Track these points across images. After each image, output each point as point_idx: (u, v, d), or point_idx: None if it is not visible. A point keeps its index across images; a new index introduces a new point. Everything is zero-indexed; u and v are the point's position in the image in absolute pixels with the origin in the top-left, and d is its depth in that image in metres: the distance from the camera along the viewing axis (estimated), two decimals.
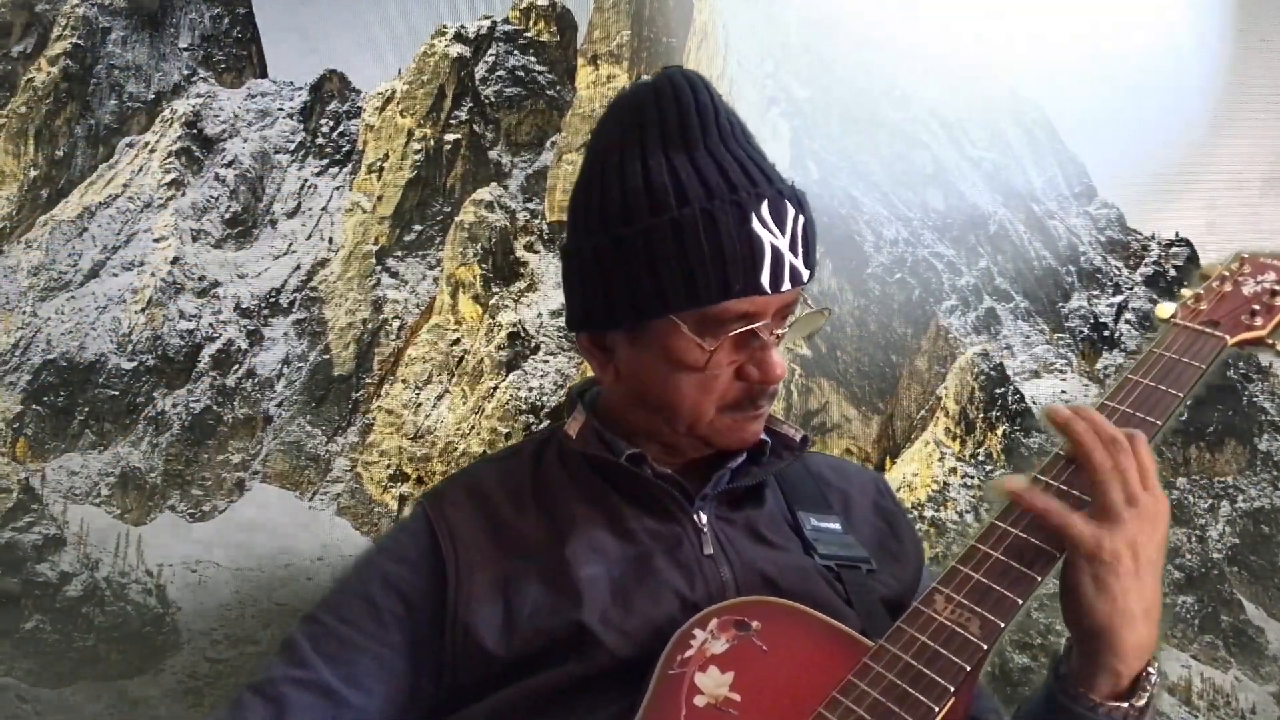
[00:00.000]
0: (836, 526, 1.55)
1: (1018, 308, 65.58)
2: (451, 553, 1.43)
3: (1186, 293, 1.46)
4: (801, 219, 1.43)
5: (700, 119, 1.44)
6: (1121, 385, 1.35)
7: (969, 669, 1.16)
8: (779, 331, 1.44)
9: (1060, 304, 66.40)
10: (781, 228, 1.40)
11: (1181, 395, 1.32)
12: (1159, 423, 1.30)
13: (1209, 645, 52.76)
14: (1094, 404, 1.33)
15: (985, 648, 1.17)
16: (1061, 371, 62.33)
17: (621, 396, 1.54)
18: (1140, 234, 71.17)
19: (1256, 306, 1.40)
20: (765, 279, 1.38)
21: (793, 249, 1.41)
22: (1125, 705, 1.22)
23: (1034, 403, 58.26)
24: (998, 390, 57.55)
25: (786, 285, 1.41)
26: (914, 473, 56.08)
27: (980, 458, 56.05)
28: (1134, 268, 68.03)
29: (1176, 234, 69.52)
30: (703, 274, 1.38)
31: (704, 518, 1.48)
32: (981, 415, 56.84)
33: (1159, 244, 69.62)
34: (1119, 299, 65.75)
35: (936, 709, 1.14)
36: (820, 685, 1.21)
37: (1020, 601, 1.18)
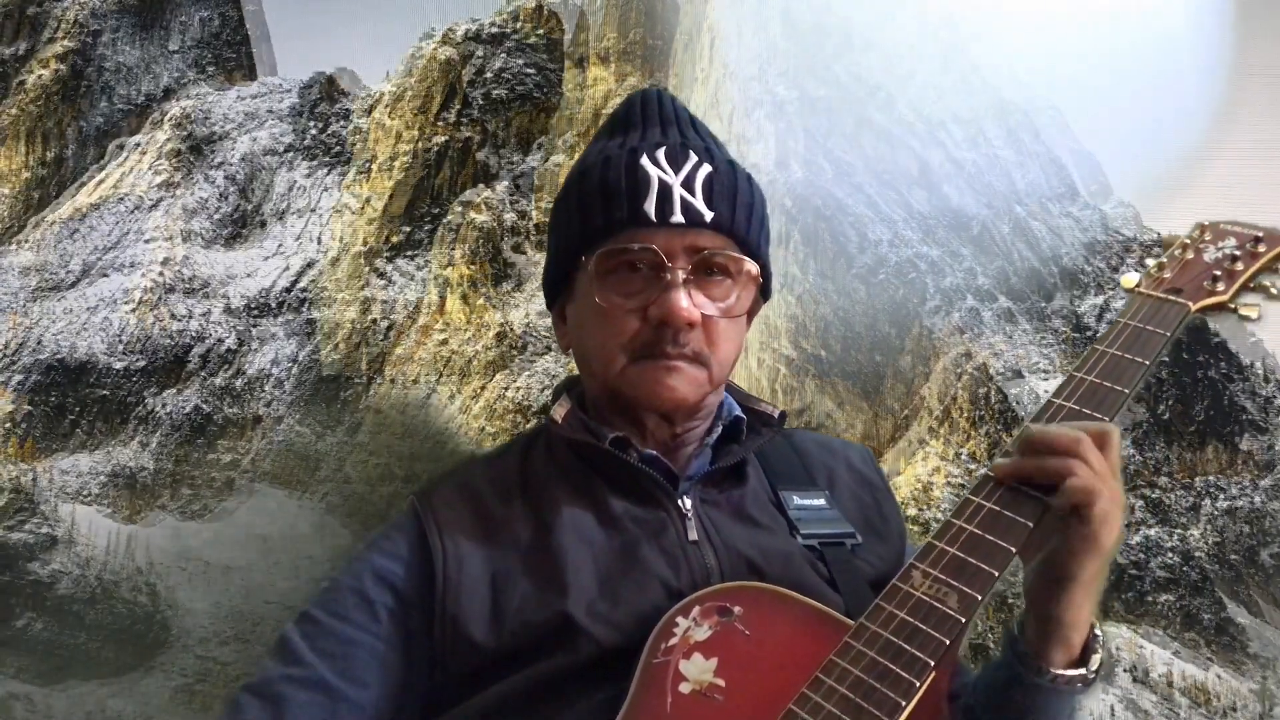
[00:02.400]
0: (821, 502, 1.68)
1: (1001, 308, 65.50)
2: (439, 546, 1.54)
3: (1150, 262, 1.59)
4: (707, 168, 1.55)
5: (643, 109, 1.64)
6: (1089, 356, 1.46)
7: (948, 643, 1.26)
8: (685, 273, 1.52)
9: (1043, 304, 66.39)
10: (676, 169, 1.53)
11: (1147, 363, 1.44)
12: (1126, 391, 1.41)
13: (1190, 643, 52.75)
14: (1064, 376, 1.46)
15: (963, 621, 1.27)
16: (1045, 371, 62.15)
17: (580, 369, 1.66)
18: (1122, 234, 71.21)
19: (1218, 272, 1.53)
20: (650, 208, 1.52)
21: (688, 188, 1.53)
22: (1083, 671, 1.38)
23: (1017, 403, 58.33)
24: (981, 390, 57.56)
25: (678, 218, 1.52)
26: (897, 472, 56.15)
27: (964, 457, 56.03)
28: (1116, 268, 68.02)
29: (1158, 235, 69.41)
30: (592, 208, 1.54)
31: (688, 502, 1.60)
32: (965, 415, 56.90)
33: (1141, 245, 69.69)
34: (1101, 299, 65.79)
35: (917, 683, 1.23)
36: (804, 666, 1.31)
37: (996, 574, 1.30)
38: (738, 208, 1.55)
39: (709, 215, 1.52)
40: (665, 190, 1.50)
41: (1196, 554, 59.47)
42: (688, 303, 1.50)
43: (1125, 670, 56.77)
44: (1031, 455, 1.31)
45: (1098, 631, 1.35)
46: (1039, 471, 1.29)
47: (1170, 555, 58.87)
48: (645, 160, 1.52)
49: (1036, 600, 1.35)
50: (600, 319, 1.54)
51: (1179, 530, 59.39)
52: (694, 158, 1.53)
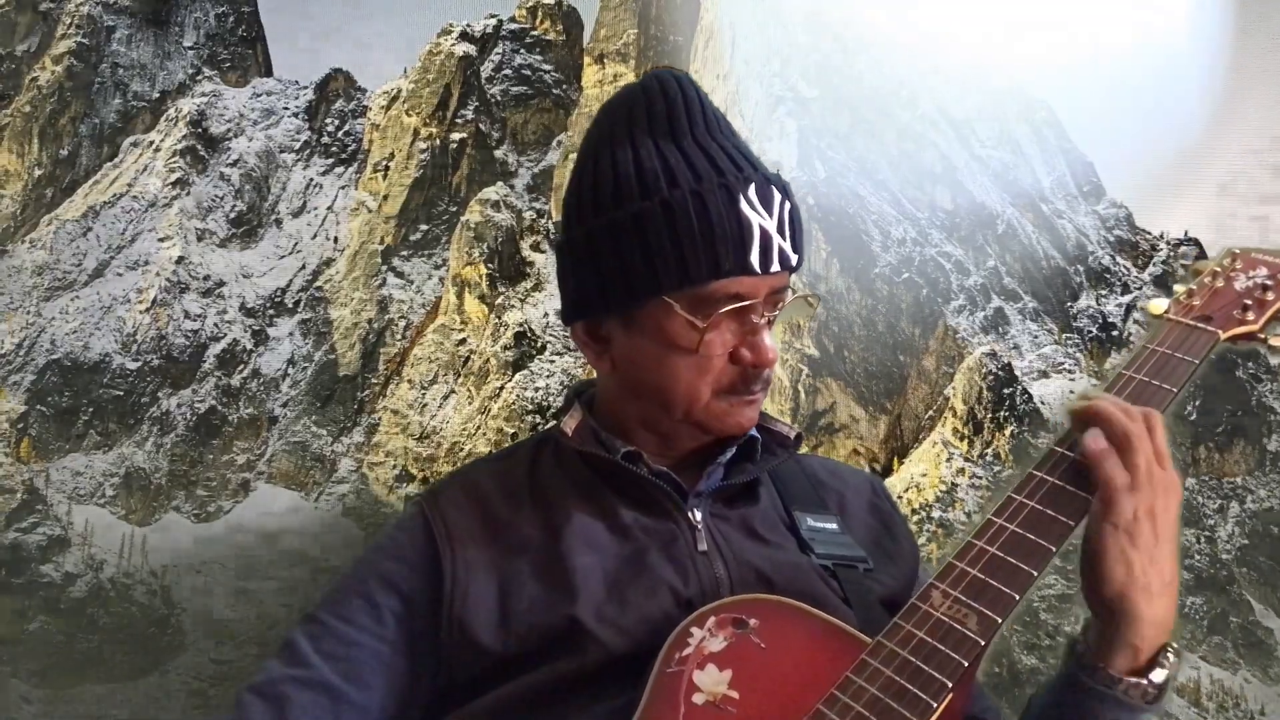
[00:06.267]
0: (833, 526, 1.55)
1: (1026, 307, 65.39)
2: (447, 549, 1.43)
3: (1179, 288, 1.46)
4: (788, 205, 1.46)
5: (688, 112, 1.47)
6: (1115, 380, 1.35)
7: (967, 665, 1.17)
8: (770, 315, 1.45)
9: (1069, 304, 66.21)
10: (769, 211, 1.43)
11: (1175, 390, 1.32)
12: None
13: (1218, 646, 52.66)
14: (1090, 381, 1.29)
15: (983, 643, 1.18)
16: (1070, 371, 62.18)
17: (618, 387, 1.55)
18: (1149, 233, 71.02)
19: (1248, 301, 1.40)
20: (755, 258, 1.41)
21: (780, 232, 1.43)
22: (1143, 682, 1.22)
23: (1042, 403, 58.13)
24: (1006, 390, 57.41)
25: (776, 266, 1.43)
26: (922, 473, 55.94)
27: (988, 458, 55.94)
28: (1143, 267, 67.88)
29: (1185, 233, 69.41)
30: (693, 253, 1.40)
31: (698, 514, 1.48)
32: (990, 415, 56.70)
33: (1168, 243, 69.48)
34: (1127, 299, 65.66)
35: (935, 705, 1.14)
36: (819, 682, 1.21)
37: (1017, 596, 1.19)
38: (805, 242, 1.52)
39: (795, 259, 1.49)
40: (766, 239, 1.44)
41: (1224, 556, 58.61)
42: (771, 342, 1.49)
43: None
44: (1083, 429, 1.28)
45: (1171, 649, 1.25)
46: (1095, 456, 1.24)
47: (1198, 557, 57.97)
48: (744, 204, 1.44)
49: (1091, 595, 1.26)
50: (687, 358, 1.48)
51: (1206, 533, 58.52)
52: (777, 195, 1.47)
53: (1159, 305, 1.44)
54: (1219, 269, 1.46)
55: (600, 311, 1.51)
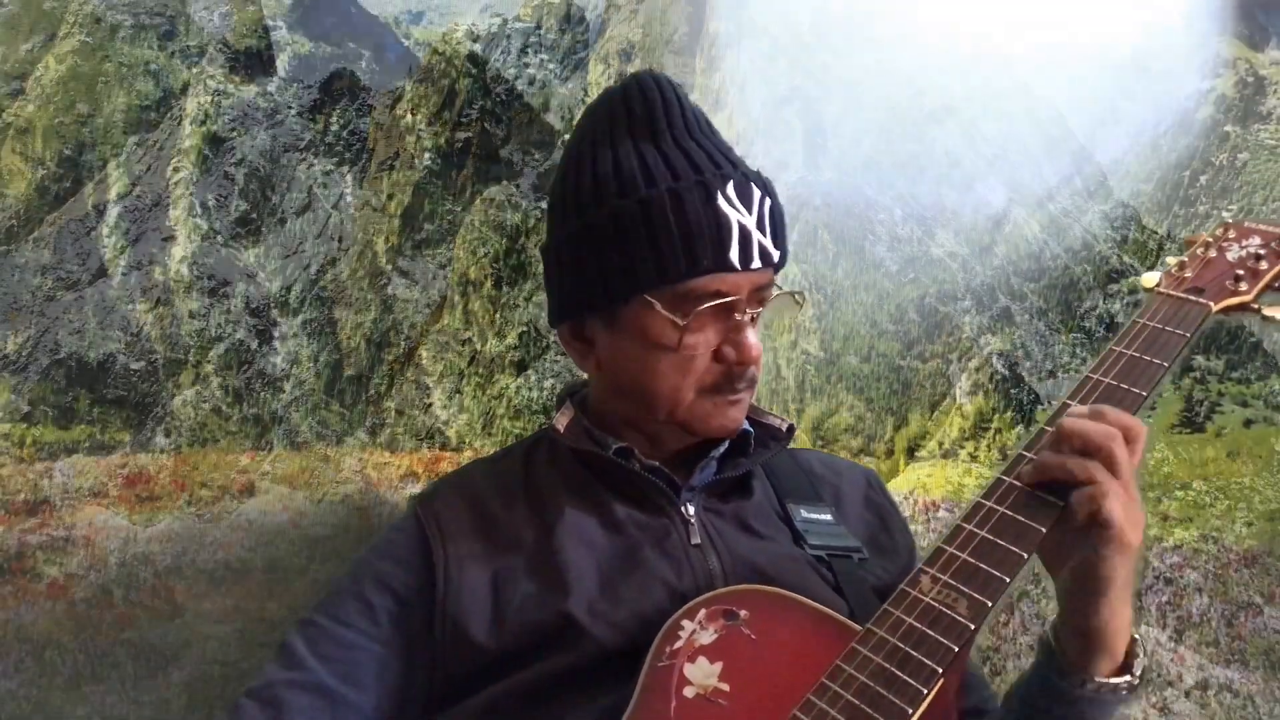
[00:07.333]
0: (828, 517, 1.57)
1: (1033, 307, 65.27)
2: (440, 547, 1.45)
3: (1171, 260, 1.45)
4: (769, 201, 1.46)
5: (666, 113, 1.48)
6: (1105, 356, 1.32)
7: (957, 650, 1.16)
8: (753, 313, 1.46)
9: (1076, 303, 66.18)
10: (748, 207, 1.43)
11: (1167, 365, 1.31)
12: (1144, 394, 1.29)
13: (1227, 649, 52.77)
14: (1080, 376, 1.34)
15: (973, 628, 1.17)
16: (1077, 371, 62.08)
17: (605, 388, 1.56)
18: (1157, 233, 71.04)
19: (1241, 272, 1.39)
20: (734, 255, 1.41)
21: (760, 228, 1.44)
22: (1128, 678, 1.26)
23: (1049, 403, 58.04)
24: (1013, 390, 57.38)
25: (756, 263, 1.43)
26: (928, 474, 55.92)
27: (995, 458, 55.92)
28: (1150, 267, 67.97)
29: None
30: (671, 251, 1.41)
31: (691, 509, 1.50)
32: (997, 416, 56.71)
33: (1175, 242, 69.58)
34: (1135, 297, 65.67)
35: (925, 691, 1.14)
36: (810, 672, 1.21)
37: (1008, 580, 1.18)
38: (787, 238, 1.54)
39: (776, 255, 1.49)
40: (745, 236, 1.45)
41: (1232, 556, 59.70)
42: (755, 340, 1.49)
43: (1159, 677, 57.46)
44: (1058, 451, 1.26)
45: (1138, 635, 1.29)
46: (1063, 470, 1.22)
47: (1205, 558, 59.11)
48: (722, 201, 1.45)
49: (1075, 614, 1.28)
50: (670, 357, 1.48)
51: (1214, 534, 59.65)
52: (756, 191, 1.48)
53: (1150, 278, 1.42)
54: (1211, 239, 1.45)
55: (583, 312, 1.51)
